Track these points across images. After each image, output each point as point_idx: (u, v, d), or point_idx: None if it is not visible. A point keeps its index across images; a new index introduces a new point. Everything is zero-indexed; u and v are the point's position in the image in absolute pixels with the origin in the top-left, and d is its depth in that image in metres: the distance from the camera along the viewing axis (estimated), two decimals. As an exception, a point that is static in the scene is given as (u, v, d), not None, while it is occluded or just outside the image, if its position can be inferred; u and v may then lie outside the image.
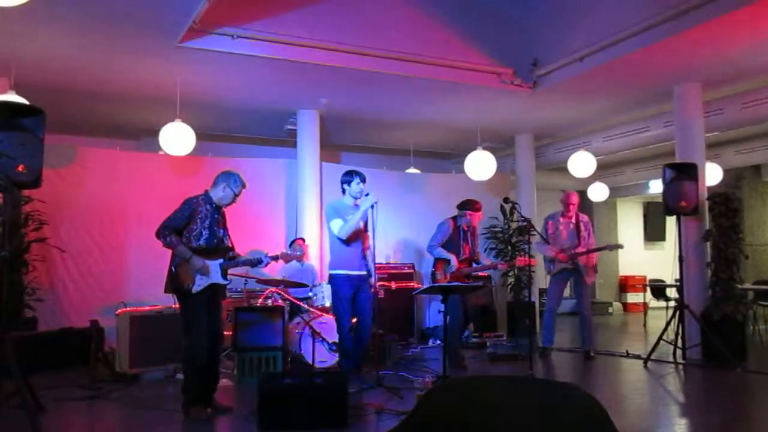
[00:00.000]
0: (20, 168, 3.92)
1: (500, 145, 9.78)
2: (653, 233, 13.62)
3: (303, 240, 7.41)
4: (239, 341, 5.60)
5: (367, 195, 5.12)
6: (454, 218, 6.34)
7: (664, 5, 5.39)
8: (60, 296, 6.83)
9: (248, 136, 9.28)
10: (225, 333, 5.46)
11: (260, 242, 7.11)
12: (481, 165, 8.00)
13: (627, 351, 6.83)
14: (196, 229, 4.23)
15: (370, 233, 5.26)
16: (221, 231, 4.39)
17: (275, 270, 6.95)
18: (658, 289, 10.30)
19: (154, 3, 4.91)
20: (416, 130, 9.15)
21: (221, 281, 4.31)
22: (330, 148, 9.25)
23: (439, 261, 6.22)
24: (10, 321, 4.81)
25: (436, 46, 6.54)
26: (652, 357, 6.26)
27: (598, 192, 10.96)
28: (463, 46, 6.67)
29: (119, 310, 5.61)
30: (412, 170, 9.57)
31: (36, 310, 6.34)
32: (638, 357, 6.50)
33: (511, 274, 8.86)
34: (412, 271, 8.13)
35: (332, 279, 5.32)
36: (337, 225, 5.22)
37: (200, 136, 6.87)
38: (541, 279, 8.75)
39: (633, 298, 12.85)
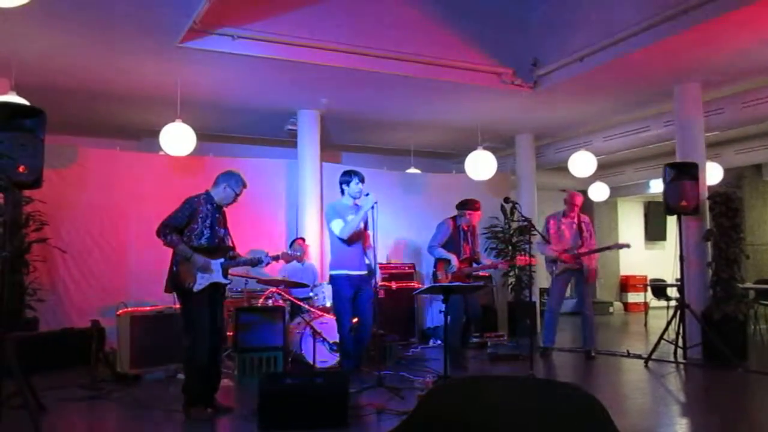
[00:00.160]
0: (21, 168, 3.92)
1: (500, 145, 9.77)
2: (654, 233, 13.61)
3: (303, 240, 7.42)
4: (240, 341, 5.61)
5: (366, 195, 5.12)
6: (454, 218, 6.33)
7: (664, 5, 5.38)
8: (61, 296, 6.83)
9: (249, 137, 9.28)
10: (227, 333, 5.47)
11: (260, 242, 7.09)
12: (481, 165, 8.00)
13: (628, 351, 6.82)
14: (197, 228, 4.23)
15: (370, 232, 5.27)
16: (222, 230, 4.39)
17: (276, 270, 6.95)
18: (659, 289, 10.29)
19: (155, 3, 4.92)
20: (416, 130, 9.14)
21: (222, 280, 4.31)
22: (330, 149, 9.26)
23: (440, 261, 6.22)
24: (11, 321, 4.82)
25: (436, 46, 6.53)
26: (653, 357, 6.25)
27: (598, 192, 10.94)
28: (463, 47, 6.67)
29: (120, 311, 5.61)
30: (412, 170, 9.56)
31: (37, 310, 6.35)
32: (639, 357, 6.49)
33: (511, 273, 8.86)
34: (412, 271, 8.12)
35: (333, 279, 5.33)
36: (338, 225, 5.22)
37: (201, 137, 6.87)
38: (542, 279, 8.76)
39: (634, 297, 12.85)
